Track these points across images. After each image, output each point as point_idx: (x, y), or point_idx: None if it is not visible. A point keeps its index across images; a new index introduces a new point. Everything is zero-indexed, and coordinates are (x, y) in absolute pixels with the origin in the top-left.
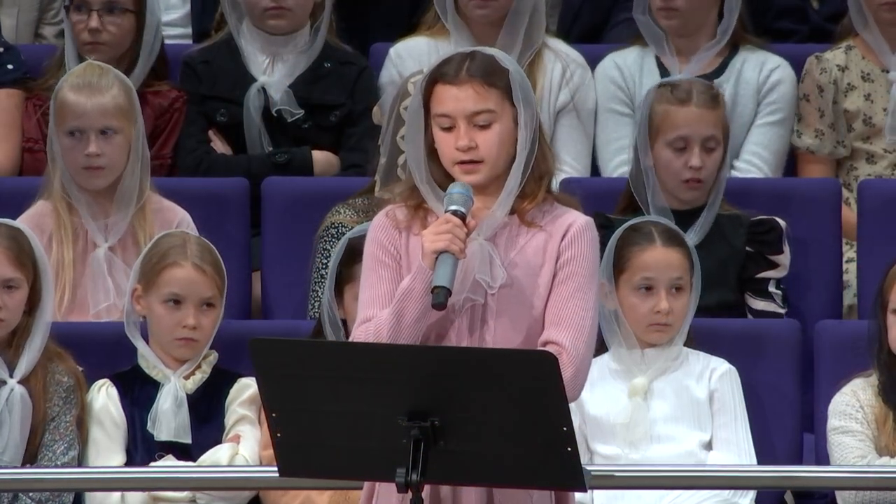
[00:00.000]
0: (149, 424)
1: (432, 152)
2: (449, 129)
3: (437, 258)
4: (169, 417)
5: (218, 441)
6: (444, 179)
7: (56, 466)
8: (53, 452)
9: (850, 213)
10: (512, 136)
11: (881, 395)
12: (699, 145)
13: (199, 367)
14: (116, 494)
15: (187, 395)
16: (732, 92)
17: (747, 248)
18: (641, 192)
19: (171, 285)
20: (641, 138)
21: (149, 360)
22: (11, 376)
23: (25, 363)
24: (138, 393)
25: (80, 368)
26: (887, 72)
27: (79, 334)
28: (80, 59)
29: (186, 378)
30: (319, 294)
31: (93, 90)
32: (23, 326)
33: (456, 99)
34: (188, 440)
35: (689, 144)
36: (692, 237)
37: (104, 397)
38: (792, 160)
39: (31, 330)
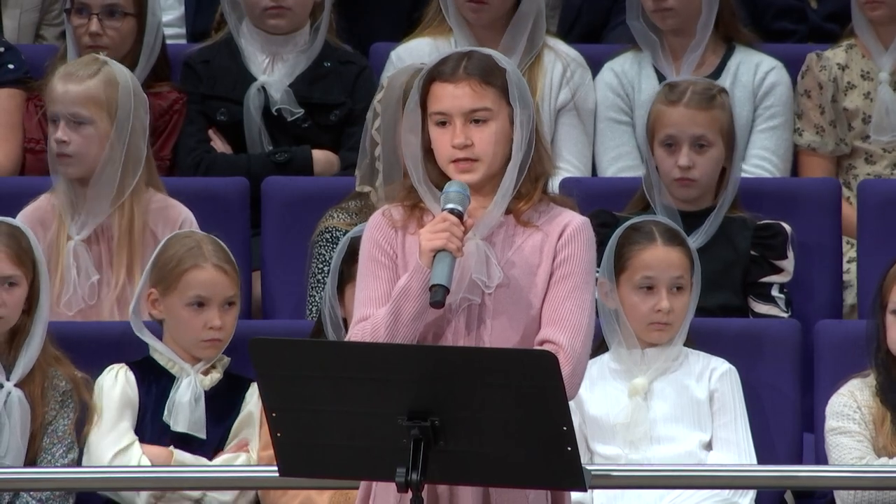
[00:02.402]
0: (165, 414)
1: (429, 152)
2: (445, 126)
3: (434, 257)
4: (186, 410)
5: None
6: (440, 179)
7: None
8: (52, 455)
9: (850, 211)
10: (508, 135)
11: (879, 395)
12: (688, 145)
13: (213, 367)
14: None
15: (204, 391)
16: (730, 93)
17: (752, 253)
18: (651, 192)
19: (194, 288)
20: (644, 138)
21: (164, 354)
22: (8, 379)
23: (23, 365)
24: (153, 382)
25: (79, 374)
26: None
27: (82, 334)
28: None
29: (204, 374)
30: (316, 298)
31: (71, 78)
32: (21, 327)
33: (453, 97)
34: (203, 435)
35: (678, 143)
36: (698, 239)
37: (122, 379)
38: (793, 158)
39: (30, 331)
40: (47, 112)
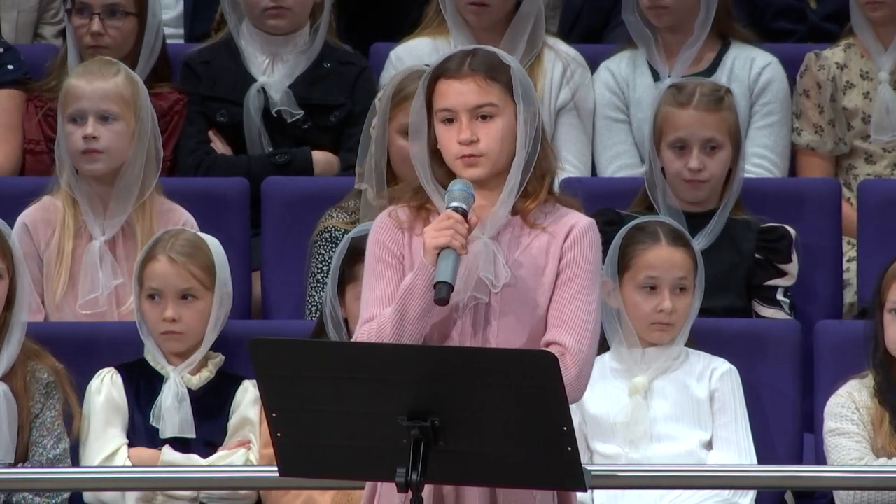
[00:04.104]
0: (152, 419)
1: (435, 152)
2: (451, 123)
3: (438, 254)
4: (171, 414)
5: (221, 439)
6: (447, 179)
7: (48, 460)
8: (44, 448)
9: (850, 211)
10: (514, 132)
11: (877, 396)
12: (698, 147)
13: (204, 366)
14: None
15: (192, 391)
16: None
17: (756, 256)
18: (655, 193)
19: (150, 280)
20: (650, 139)
21: (154, 355)
22: None
23: (6, 360)
24: (144, 383)
25: (60, 365)
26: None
27: (81, 334)
28: (83, 61)
29: (192, 374)
30: (316, 298)
31: (95, 76)
32: (0, 324)
33: (458, 93)
34: (192, 434)
35: (689, 146)
36: (702, 240)
37: (107, 383)
38: (792, 158)
39: (9, 327)
40: (65, 111)
